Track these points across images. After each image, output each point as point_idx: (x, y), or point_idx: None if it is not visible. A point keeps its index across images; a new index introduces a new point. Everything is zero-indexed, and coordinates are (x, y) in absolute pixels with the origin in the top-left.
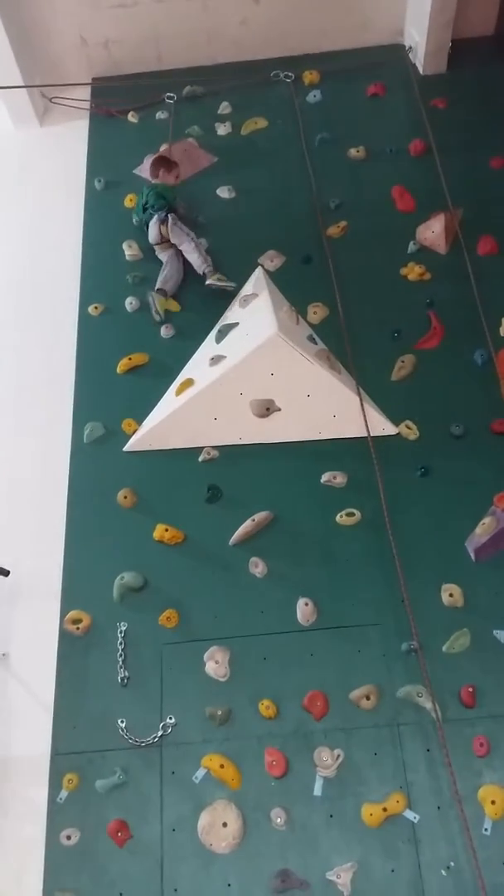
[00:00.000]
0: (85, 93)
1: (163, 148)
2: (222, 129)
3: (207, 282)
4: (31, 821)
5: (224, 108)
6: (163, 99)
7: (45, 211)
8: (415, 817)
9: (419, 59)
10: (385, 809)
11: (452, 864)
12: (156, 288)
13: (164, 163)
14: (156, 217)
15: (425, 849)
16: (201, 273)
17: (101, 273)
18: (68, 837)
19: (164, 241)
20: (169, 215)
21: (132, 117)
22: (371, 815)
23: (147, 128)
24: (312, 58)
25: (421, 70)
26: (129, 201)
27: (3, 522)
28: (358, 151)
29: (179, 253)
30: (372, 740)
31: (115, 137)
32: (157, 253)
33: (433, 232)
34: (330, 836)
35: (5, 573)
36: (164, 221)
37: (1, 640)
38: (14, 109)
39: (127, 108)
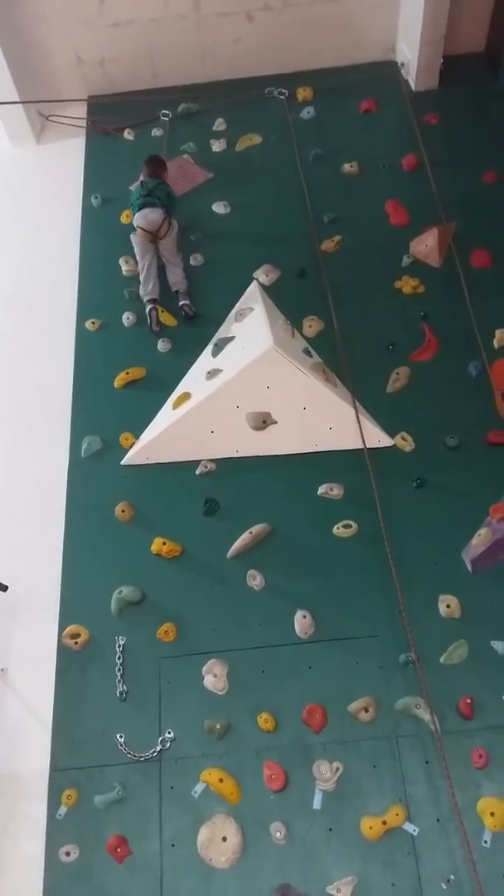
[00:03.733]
0: (81, 111)
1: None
2: (217, 146)
3: (181, 303)
4: (30, 837)
5: (219, 124)
6: (158, 116)
7: (42, 227)
8: (414, 830)
9: (411, 76)
10: (384, 822)
11: (452, 877)
12: (148, 298)
13: (160, 163)
14: (162, 210)
15: (425, 862)
16: (175, 291)
17: (98, 288)
18: (67, 854)
19: (155, 234)
20: (175, 221)
21: (128, 134)
22: (370, 828)
23: (143, 145)
24: (306, 75)
25: (413, 86)
26: (126, 217)
27: (1, 537)
28: (351, 167)
29: (158, 262)
30: (371, 753)
31: (111, 154)
32: (137, 239)
33: (427, 245)
34: (330, 850)
35: (3, 588)
36: (167, 220)
37: None
38: (11, 127)
39: (123, 126)
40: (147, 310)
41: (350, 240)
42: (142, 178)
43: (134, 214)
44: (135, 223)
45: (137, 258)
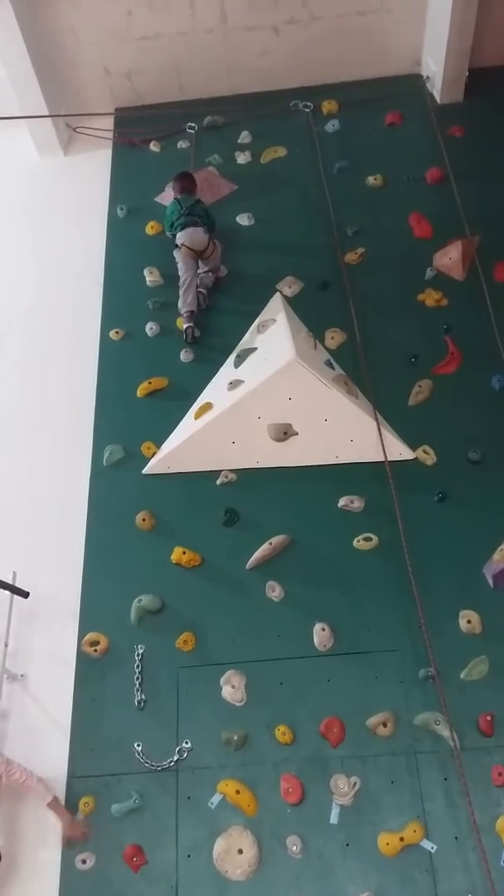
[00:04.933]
0: (108, 123)
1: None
2: (242, 158)
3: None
4: (47, 844)
5: (244, 137)
6: (184, 128)
7: (68, 238)
8: (432, 847)
9: (436, 89)
10: (402, 839)
11: (470, 895)
12: (186, 310)
13: (190, 180)
14: (204, 228)
15: (442, 879)
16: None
17: (122, 298)
18: (84, 862)
19: (201, 253)
20: (217, 242)
21: (154, 146)
22: (388, 844)
23: (169, 157)
24: (331, 88)
25: (438, 99)
26: (151, 228)
27: (23, 544)
28: (376, 179)
29: (197, 276)
30: (389, 768)
31: (137, 166)
32: (181, 255)
33: (450, 258)
34: (346, 866)
35: (25, 594)
36: (212, 241)
37: (19, 661)
38: (39, 139)
39: (149, 138)
40: (184, 327)
41: (373, 252)
42: (175, 195)
43: (174, 232)
44: (178, 241)
45: (180, 272)
